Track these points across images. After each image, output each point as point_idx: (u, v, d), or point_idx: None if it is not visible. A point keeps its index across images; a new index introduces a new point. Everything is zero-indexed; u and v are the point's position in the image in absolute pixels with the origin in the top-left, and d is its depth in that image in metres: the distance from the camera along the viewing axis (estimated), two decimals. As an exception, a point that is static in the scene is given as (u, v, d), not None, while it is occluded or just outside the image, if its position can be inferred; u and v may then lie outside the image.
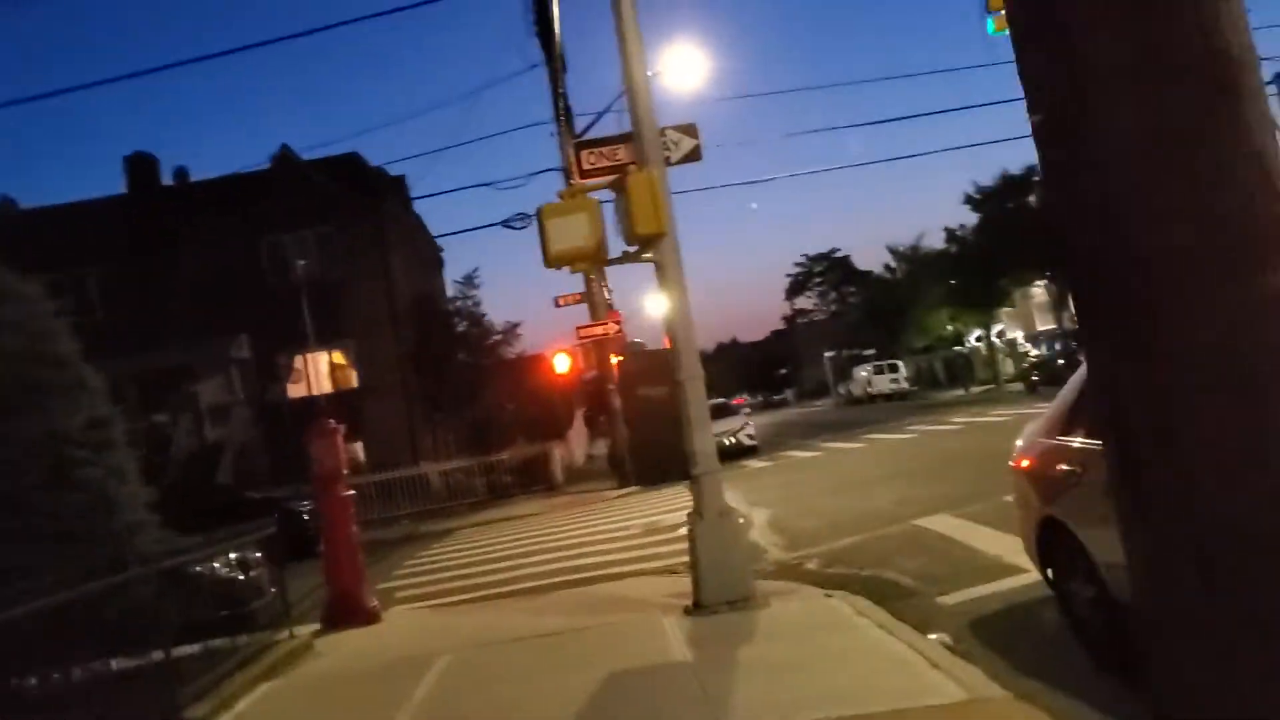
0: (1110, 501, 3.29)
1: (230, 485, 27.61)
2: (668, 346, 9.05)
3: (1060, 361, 38.08)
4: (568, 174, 21.63)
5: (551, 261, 8.62)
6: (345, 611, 11.54)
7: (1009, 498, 12.82)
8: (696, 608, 8.65)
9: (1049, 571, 6.38)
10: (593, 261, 8.79)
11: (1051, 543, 6.12)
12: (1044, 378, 39.53)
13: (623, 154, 10.07)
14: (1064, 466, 5.83)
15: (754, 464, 25.35)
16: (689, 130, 9.91)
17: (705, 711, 5.97)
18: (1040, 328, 60.97)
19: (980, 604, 8.02)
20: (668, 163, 9.56)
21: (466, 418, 34.90)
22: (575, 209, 8.61)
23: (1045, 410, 6.74)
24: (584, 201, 8.75)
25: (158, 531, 10.59)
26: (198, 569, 11.24)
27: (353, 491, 11.95)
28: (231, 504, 22.13)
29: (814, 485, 18.53)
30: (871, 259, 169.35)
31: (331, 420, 12.09)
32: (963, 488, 14.58)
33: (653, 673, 7.09)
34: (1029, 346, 55.22)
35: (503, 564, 15.60)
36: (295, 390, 34.85)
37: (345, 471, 11.82)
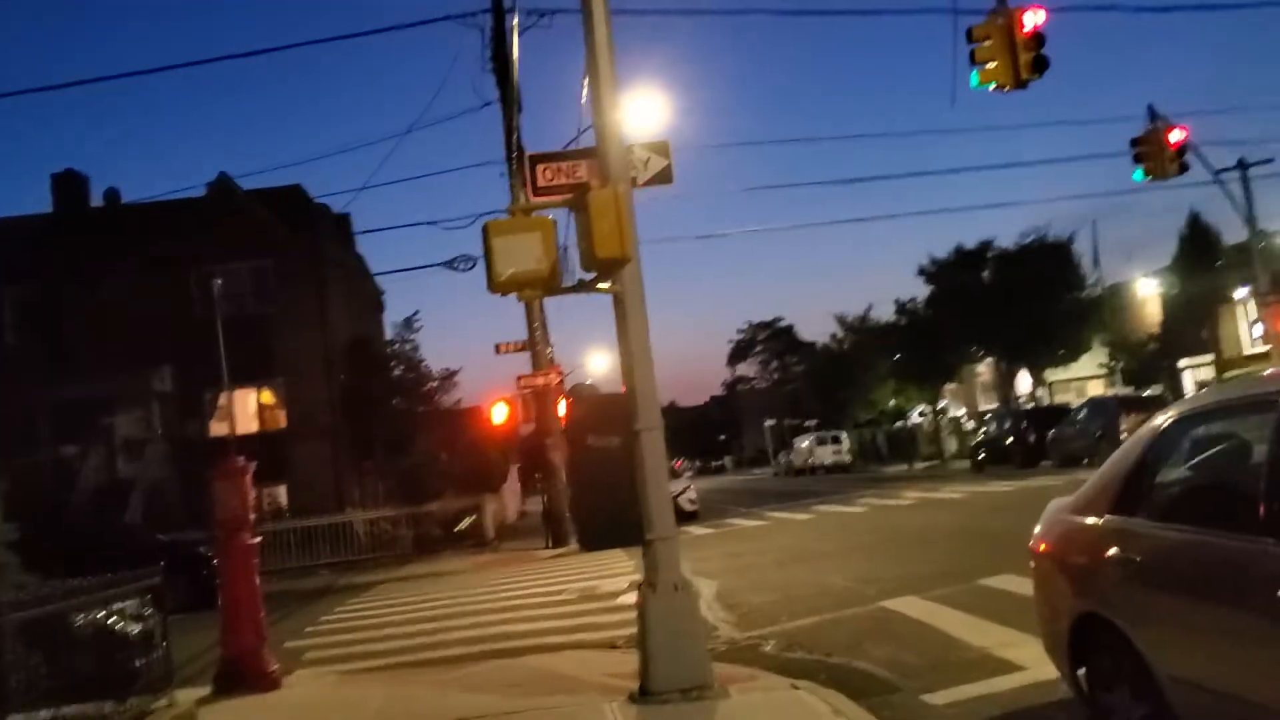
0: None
1: (138, 526, 25.84)
2: (623, 392, 7.93)
3: (1009, 440, 37.37)
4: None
5: (497, 286, 7.49)
6: (241, 675, 10.14)
7: (986, 581, 12.12)
8: (644, 694, 7.45)
9: (1080, 676, 5.26)
10: (544, 289, 7.67)
11: (1089, 644, 5.02)
12: (990, 456, 38.90)
13: (583, 171, 9.01)
14: (1116, 552, 4.75)
15: (695, 530, 24.11)
16: (660, 149, 8.87)
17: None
18: (983, 405, 60.75)
19: (976, 707, 6.89)
20: (635, 184, 8.51)
21: (397, 466, 33.42)
22: (527, 228, 7.52)
23: (1085, 485, 5.67)
24: (537, 220, 7.65)
25: (18, 575, 9.20)
26: (74, 620, 9.95)
27: (258, 539, 10.58)
28: (137, 547, 20.50)
29: (763, 556, 17.37)
30: (817, 328, 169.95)
31: (240, 459, 10.75)
32: (926, 567, 13.53)
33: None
34: (972, 424, 54.79)
35: (425, 625, 14.23)
36: (219, 428, 33.17)
37: (252, 517, 10.47)
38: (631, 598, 13.43)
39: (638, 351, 7.82)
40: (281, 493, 32.89)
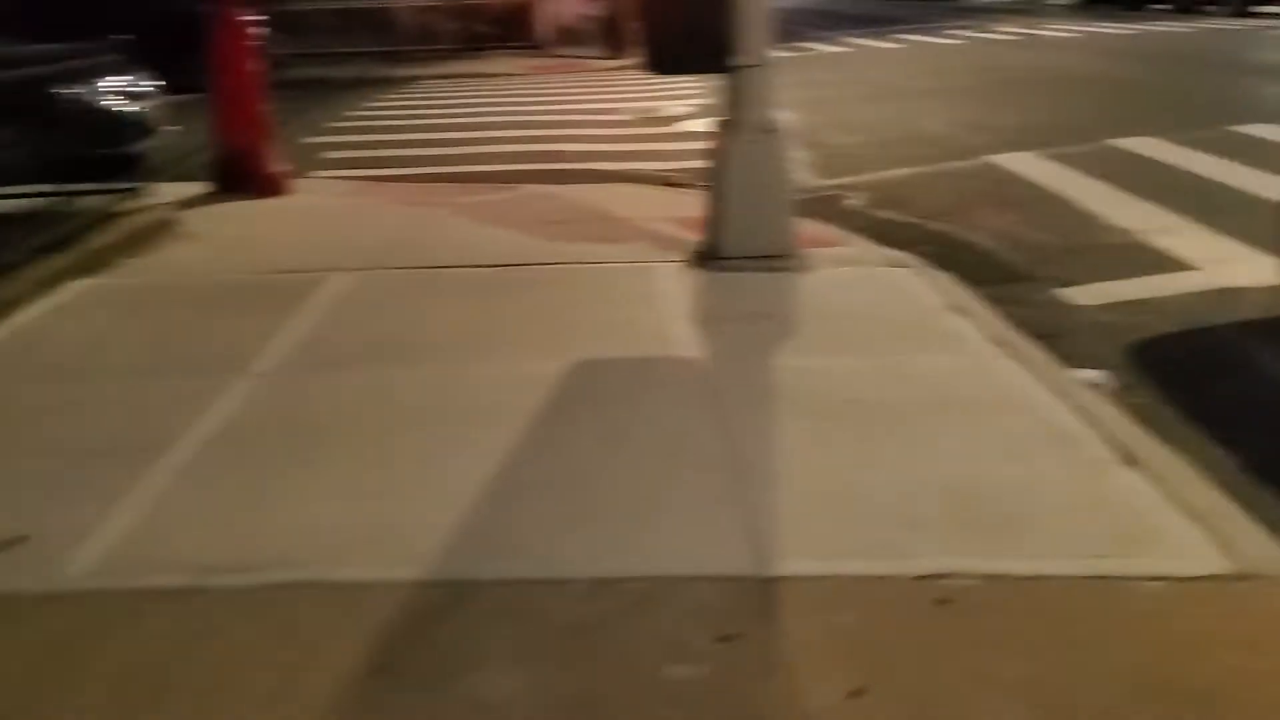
0: None
1: None
2: None
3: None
4: None
5: None
6: (239, 175, 8.80)
7: (1120, 142, 9.61)
8: (710, 258, 5.96)
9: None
10: None
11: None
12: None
13: None
14: None
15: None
16: None
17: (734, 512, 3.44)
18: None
19: (1136, 316, 5.36)
20: None
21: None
22: None
23: None
24: None
25: None
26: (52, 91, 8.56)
27: (257, 16, 8.79)
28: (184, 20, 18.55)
29: (846, 89, 15.34)
30: None
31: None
32: (1042, 117, 11.64)
33: (637, 379, 4.49)
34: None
35: (464, 134, 12.69)
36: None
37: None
38: (697, 124, 11.80)
39: None
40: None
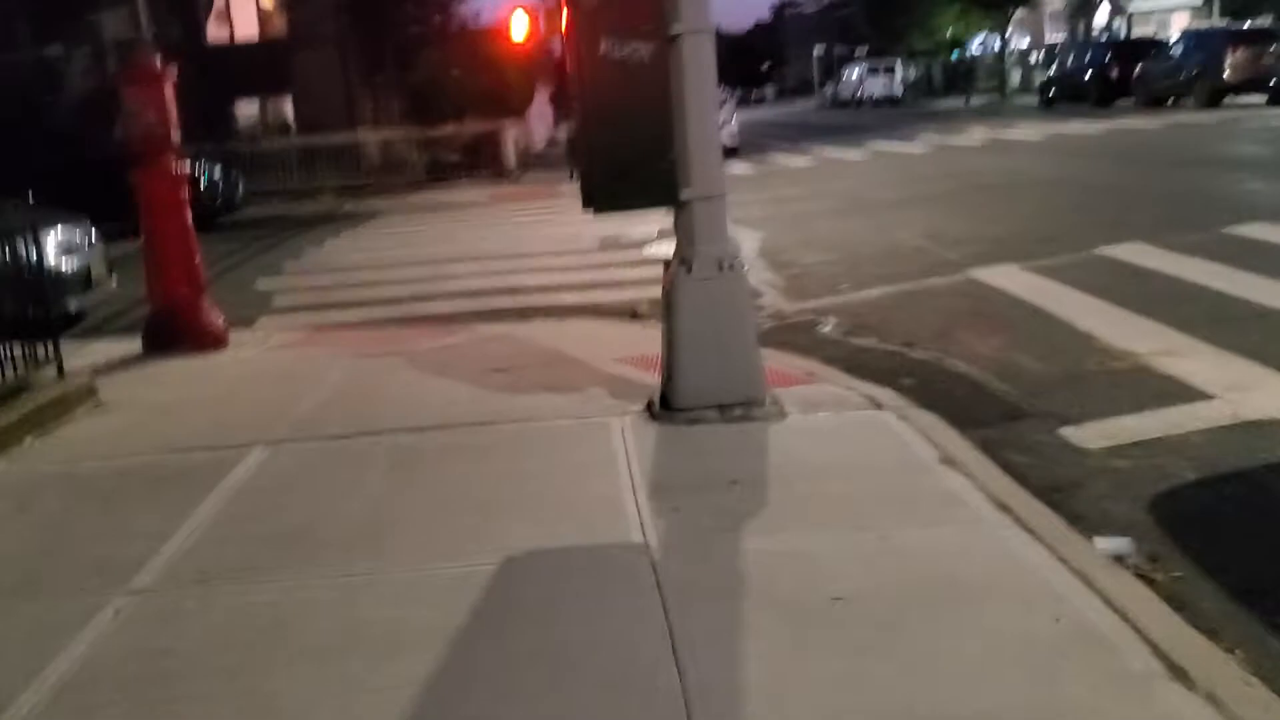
0: None
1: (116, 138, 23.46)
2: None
3: (1087, 75, 33.74)
4: None
5: None
6: (172, 332, 8.21)
7: (1107, 251, 9.00)
8: (667, 408, 5.34)
9: None
10: None
11: None
12: (1062, 92, 35.43)
13: None
14: None
15: (735, 168, 21.59)
16: None
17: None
18: (1050, 38, 55.84)
19: (1154, 457, 4.73)
20: None
21: (410, 84, 30.52)
22: None
23: None
24: None
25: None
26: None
27: (185, 166, 8.29)
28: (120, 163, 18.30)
29: (815, 203, 14.98)
30: None
31: (156, 58, 8.25)
32: (1021, 227, 11.18)
33: (580, 576, 3.83)
34: (1040, 56, 50.36)
35: (423, 268, 12.22)
36: (217, 32, 30.10)
37: (174, 135, 8.12)
38: (660, 248, 11.30)
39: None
40: (287, 106, 30.29)
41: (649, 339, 7.48)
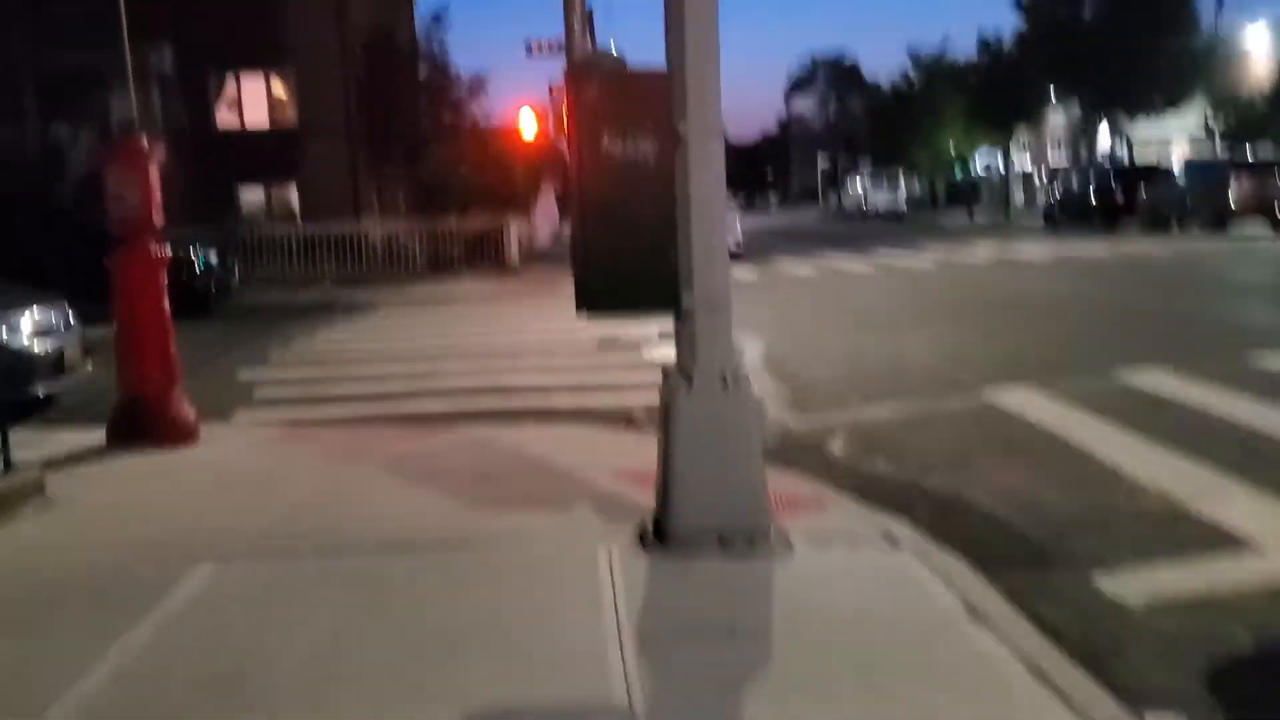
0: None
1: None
2: (661, 73, 4.90)
3: (1092, 198, 33.80)
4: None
5: None
6: (141, 423, 7.72)
7: (1130, 377, 8.54)
8: (661, 537, 4.84)
9: None
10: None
11: None
12: (1067, 214, 35.48)
13: None
14: None
15: (739, 274, 21.32)
16: None
17: None
18: (1053, 161, 56.37)
19: (1201, 616, 4.21)
20: None
21: (416, 177, 30.49)
22: None
23: None
24: None
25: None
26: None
27: (165, 250, 7.90)
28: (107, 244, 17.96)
29: (821, 315, 14.61)
30: (884, 67, 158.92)
31: (143, 138, 7.92)
32: (1037, 348, 10.78)
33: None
34: (1044, 178, 50.75)
35: (415, 364, 11.79)
36: (226, 119, 30.15)
37: (157, 218, 7.74)
38: (659, 351, 10.87)
39: (697, 4, 4.74)
40: (291, 194, 30.20)
41: (644, 450, 6.98)
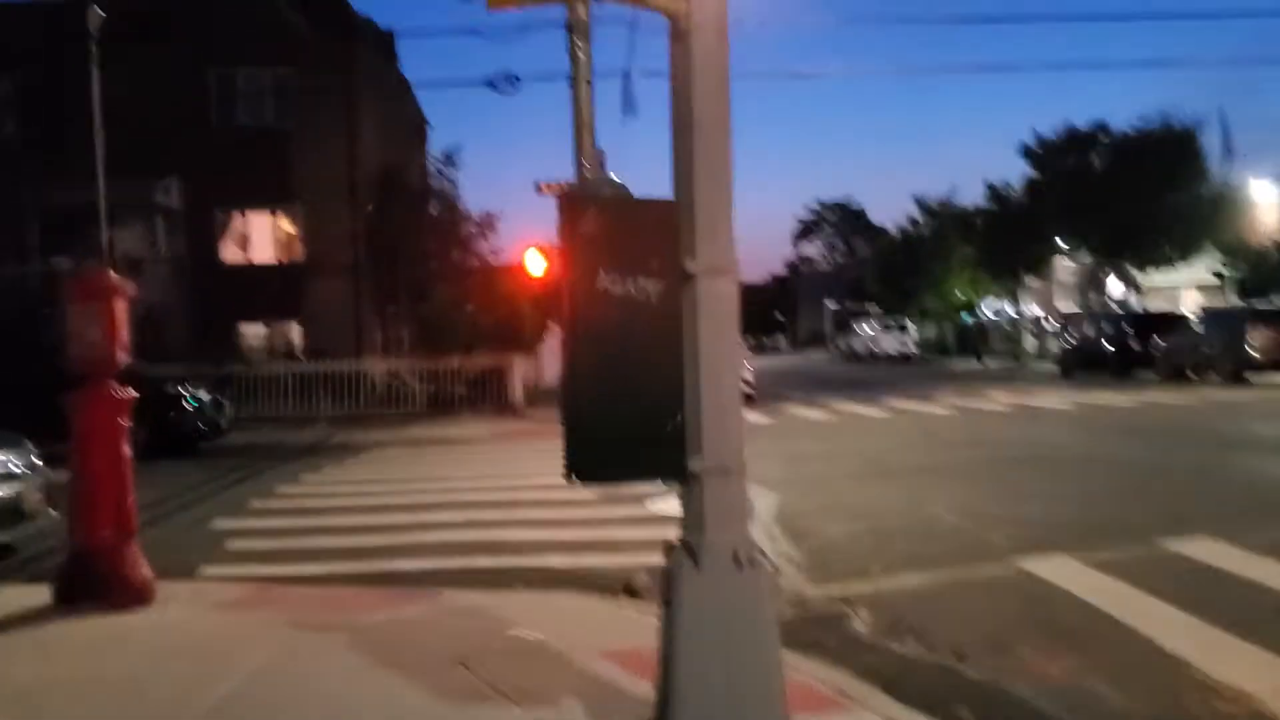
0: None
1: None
2: (667, 202, 4.31)
3: (1107, 346, 33.32)
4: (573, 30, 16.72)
5: None
6: (89, 581, 6.99)
7: (1175, 545, 7.78)
8: (659, 749, 4.05)
9: None
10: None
11: None
12: (1080, 362, 34.96)
13: None
14: None
15: (749, 418, 20.57)
16: None
17: None
18: (1062, 307, 56.18)
19: None
20: None
21: (420, 315, 30.17)
22: None
23: None
24: None
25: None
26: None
27: (129, 391, 7.26)
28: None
29: (835, 464, 13.88)
30: (890, 213, 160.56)
31: (110, 274, 7.38)
32: (1071, 508, 10.03)
33: None
34: (1055, 325, 50.44)
35: (402, 515, 11.05)
36: (231, 253, 30.02)
37: (121, 357, 7.14)
38: (666, 504, 10.13)
39: (708, 129, 4.18)
40: (294, 332, 29.86)
41: (644, 627, 6.26)
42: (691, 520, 4.14)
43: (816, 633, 6.33)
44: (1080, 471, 12.74)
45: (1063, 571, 7.46)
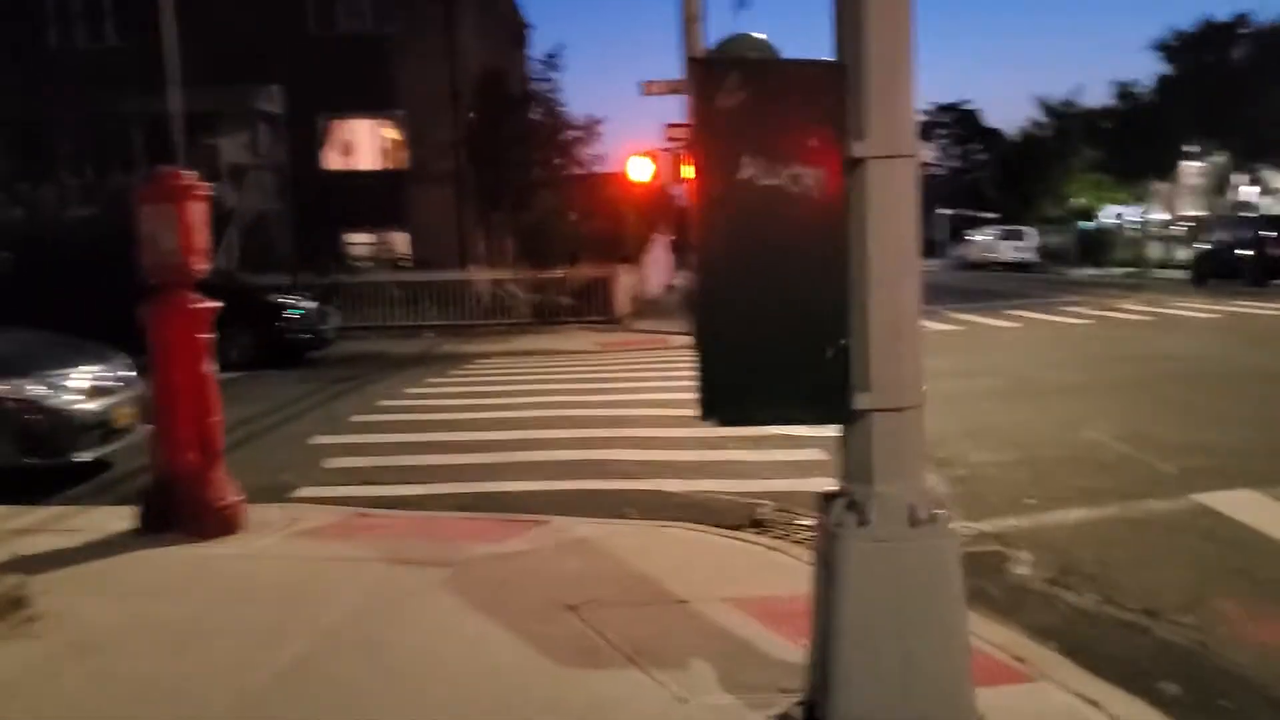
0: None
1: (225, 269, 22.54)
2: (828, 64, 3.39)
3: (1243, 252, 31.20)
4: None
5: None
6: (172, 507, 6.48)
7: None
8: (815, 736, 3.31)
9: None
10: None
11: None
12: (1213, 269, 32.87)
13: None
14: None
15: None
16: None
17: None
18: (1185, 212, 53.25)
19: None
20: None
21: (523, 224, 29.49)
22: None
23: None
24: None
25: None
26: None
27: (210, 303, 6.65)
28: (217, 292, 17.19)
29: (970, 380, 12.82)
30: (1009, 115, 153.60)
31: (182, 174, 6.72)
32: (1247, 433, 8.98)
33: None
34: (1184, 230, 47.78)
35: (508, 432, 10.44)
36: (336, 160, 29.61)
37: (197, 264, 6.53)
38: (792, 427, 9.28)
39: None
40: (400, 240, 29.48)
41: (774, 568, 5.57)
42: (856, 468, 3.33)
43: (974, 578, 5.47)
44: (1249, 390, 11.53)
45: (1252, 509, 6.50)
